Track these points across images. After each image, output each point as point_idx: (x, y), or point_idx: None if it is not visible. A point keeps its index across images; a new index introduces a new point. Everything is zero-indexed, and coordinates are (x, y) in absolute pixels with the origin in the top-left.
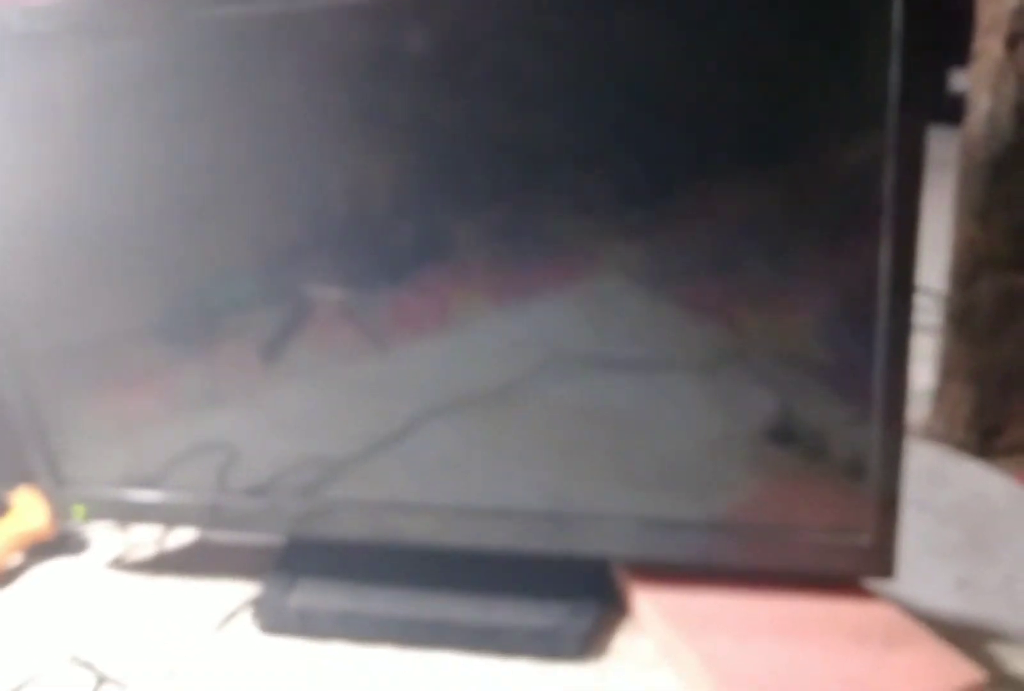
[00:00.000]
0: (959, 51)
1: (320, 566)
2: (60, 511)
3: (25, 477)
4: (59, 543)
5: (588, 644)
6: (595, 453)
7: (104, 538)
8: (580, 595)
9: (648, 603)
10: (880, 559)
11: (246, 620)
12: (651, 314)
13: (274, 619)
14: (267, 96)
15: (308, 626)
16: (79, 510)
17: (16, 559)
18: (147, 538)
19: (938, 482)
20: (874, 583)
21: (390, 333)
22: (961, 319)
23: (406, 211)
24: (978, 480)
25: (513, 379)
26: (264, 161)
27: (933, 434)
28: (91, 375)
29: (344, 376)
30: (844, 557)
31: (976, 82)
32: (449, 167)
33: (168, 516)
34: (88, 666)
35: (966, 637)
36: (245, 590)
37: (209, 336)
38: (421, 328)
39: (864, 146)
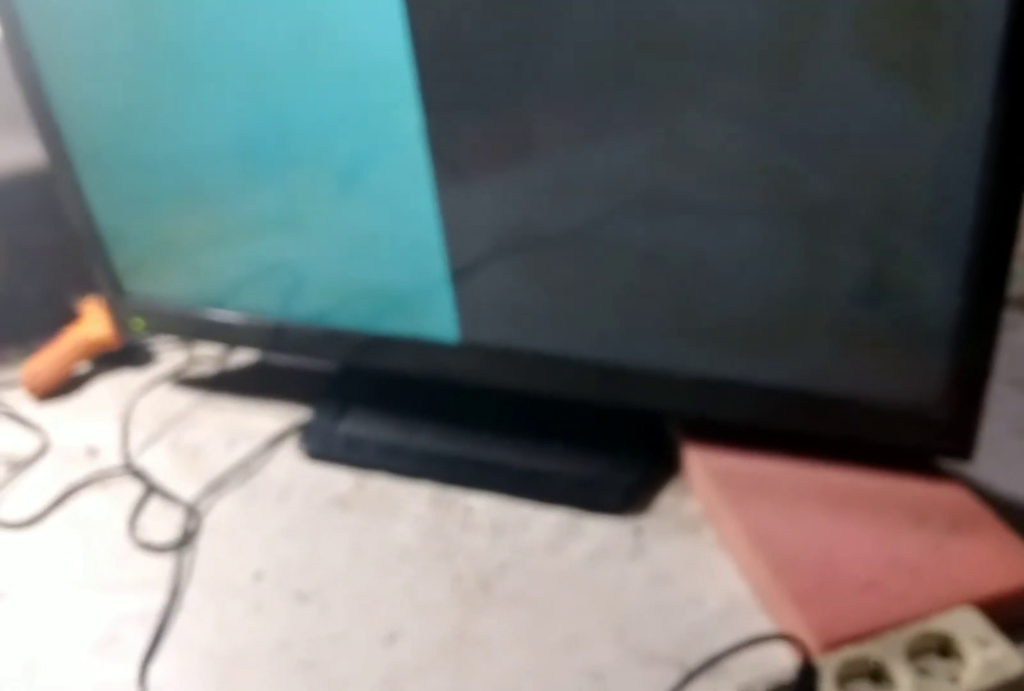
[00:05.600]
0: None
1: (372, 397)
2: (120, 322)
3: (96, 287)
4: (125, 354)
5: (630, 498)
6: (664, 304)
7: (170, 353)
8: (630, 449)
9: (698, 463)
10: (957, 438)
11: (293, 443)
12: (747, 157)
13: (321, 445)
14: None
15: (353, 454)
16: (138, 322)
17: (83, 367)
18: (210, 355)
19: None
20: (950, 464)
21: (469, 162)
22: None
23: (491, 32)
24: None
25: (589, 219)
26: None
27: None
28: (160, 189)
29: (415, 206)
30: (918, 433)
31: None
32: None
33: (228, 336)
34: (140, 475)
35: None
36: (297, 414)
37: (286, 156)
38: (501, 158)
39: None
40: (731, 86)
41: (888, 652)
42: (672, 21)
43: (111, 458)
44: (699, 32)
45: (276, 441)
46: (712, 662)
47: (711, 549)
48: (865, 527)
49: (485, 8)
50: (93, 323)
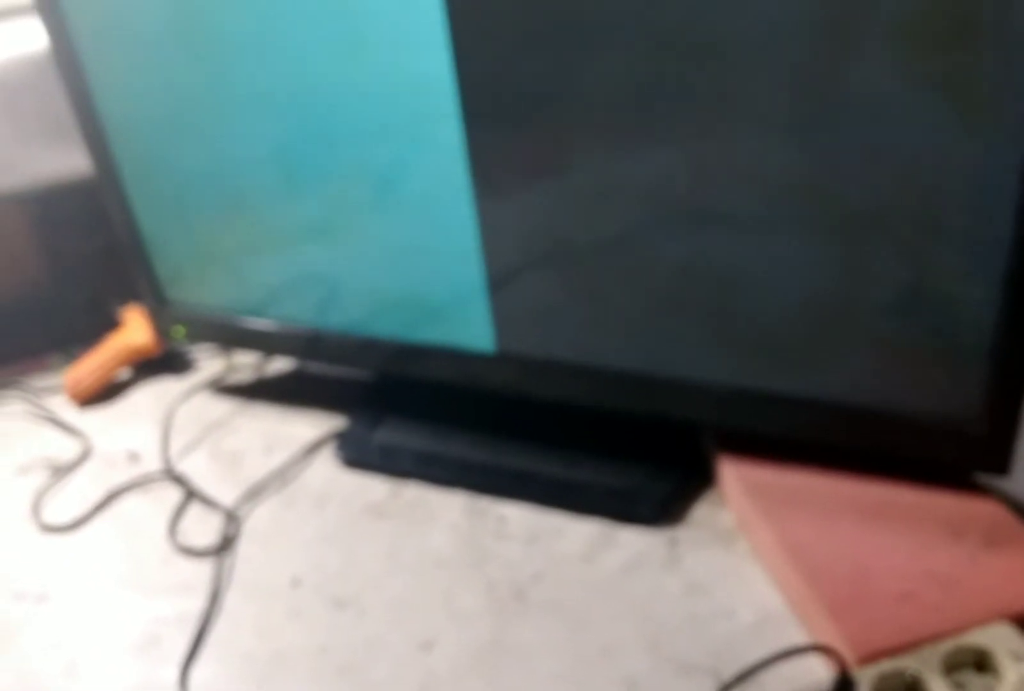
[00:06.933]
0: None
1: (407, 406)
2: (162, 330)
3: (138, 294)
4: (165, 361)
5: (665, 509)
6: (700, 315)
7: (209, 361)
8: (665, 460)
9: (733, 475)
10: (994, 453)
11: (330, 452)
12: (784, 169)
13: (357, 453)
14: None
15: (388, 463)
16: (179, 330)
17: (124, 373)
18: (248, 363)
19: None
20: (986, 478)
21: (508, 173)
22: None
23: (532, 46)
24: None
25: (626, 230)
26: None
27: None
28: (203, 199)
29: (454, 216)
30: (953, 446)
31: None
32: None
33: (266, 344)
34: (180, 480)
35: None
36: (334, 422)
37: (328, 166)
38: (539, 169)
39: None
40: (769, 100)
41: (924, 666)
42: (711, 37)
43: (152, 463)
44: (737, 48)
45: (313, 449)
46: (747, 674)
47: (746, 560)
48: (900, 539)
49: (526, 22)
50: (135, 330)
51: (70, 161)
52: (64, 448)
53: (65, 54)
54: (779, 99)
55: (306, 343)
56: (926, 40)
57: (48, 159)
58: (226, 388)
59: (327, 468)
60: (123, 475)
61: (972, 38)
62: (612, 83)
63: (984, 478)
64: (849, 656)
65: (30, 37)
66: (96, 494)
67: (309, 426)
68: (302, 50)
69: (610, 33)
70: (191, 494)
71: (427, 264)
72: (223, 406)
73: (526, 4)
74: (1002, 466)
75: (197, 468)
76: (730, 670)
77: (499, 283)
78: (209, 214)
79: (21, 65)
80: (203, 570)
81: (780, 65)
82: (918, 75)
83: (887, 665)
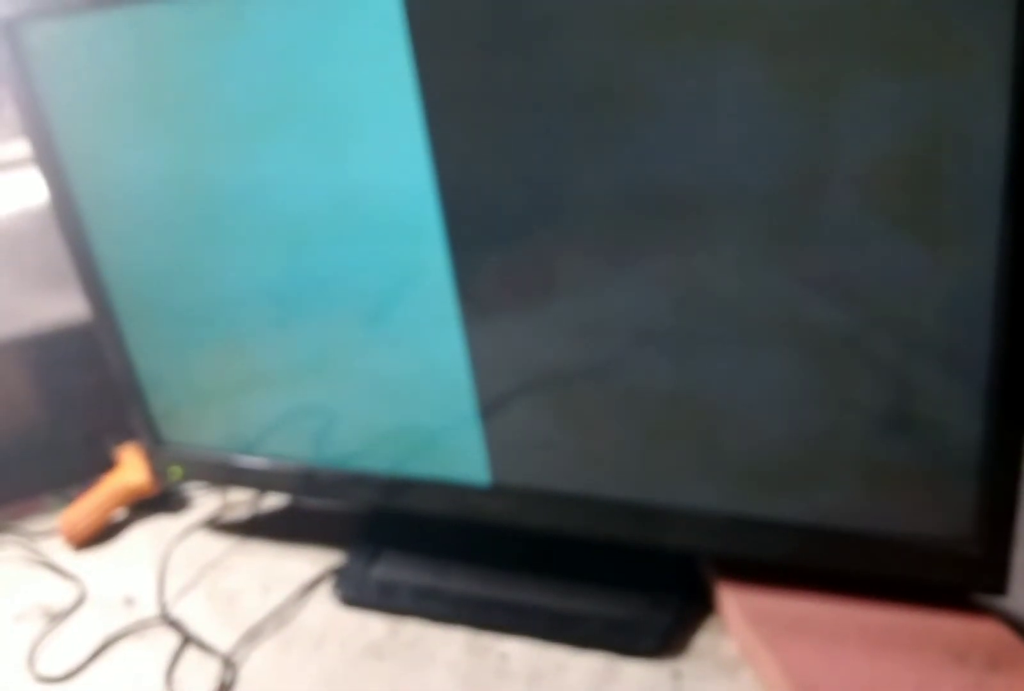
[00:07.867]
0: None
1: (405, 539)
2: (159, 471)
3: (133, 434)
4: (161, 500)
5: (667, 640)
6: (689, 442)
7: (204, 498)
8: (664, 589)
9: (734, 603)
10: (990, 573)
11: (327, 589)
12: (766, 300)
13: (354, 590)
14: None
15: (386, 600)
16: (176, 470)
17: (120, 514)
18: (243, 499)
19: None
20: (984, 598)
21: (496, 303)
22: None
23: (512, 176)
24: None
25: (613, 357)
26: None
27: None
28: (198, 339)
29: (445, 346)
30: (949, 568)
31: None
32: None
33: (262, 481)
34: (176, 625)
35: None
36: (331, 557)
37: (319, 305)
38: (526, 299)
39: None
40: (746, 236)
41: None
42: (689, 178)
43: (148, 607)
44: (715, 188)
45: (310, 587)
46: None
47: None
48: (905, 666)
49: (511, 158)
50: (131, 470)
51: (68, 307)
52: (60, 593)
53: (64, 205)
54: (757, 233)
55: (300, 480)
56: (891, 183)
57: (47, 306)
58: (222, 526)
59: (325, 607)
60: (119, 620)
61: (933, 181)
62: (593, 217)
63: (983, 598)
64: None
65: (31, 189)
66: (92, 641)
67: (306, 562)
68: (294, 196)
69: (590, 172)
70: (187, 639)
71: (419, 395)
72: (220, 544)
73: (511, 148)
74: (999, 586)
75: (194, 610)
76: None
77: (491, 412)
78: (204, 354)
79: (22, 217)
80: None
81: (757, 203)
82: (886, 214)
83: None
